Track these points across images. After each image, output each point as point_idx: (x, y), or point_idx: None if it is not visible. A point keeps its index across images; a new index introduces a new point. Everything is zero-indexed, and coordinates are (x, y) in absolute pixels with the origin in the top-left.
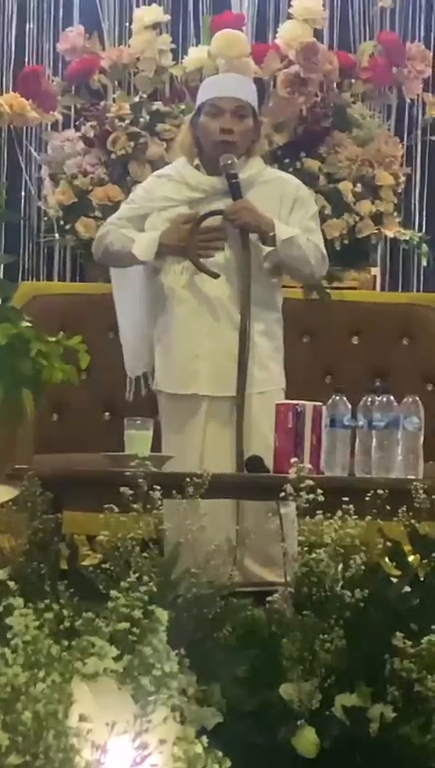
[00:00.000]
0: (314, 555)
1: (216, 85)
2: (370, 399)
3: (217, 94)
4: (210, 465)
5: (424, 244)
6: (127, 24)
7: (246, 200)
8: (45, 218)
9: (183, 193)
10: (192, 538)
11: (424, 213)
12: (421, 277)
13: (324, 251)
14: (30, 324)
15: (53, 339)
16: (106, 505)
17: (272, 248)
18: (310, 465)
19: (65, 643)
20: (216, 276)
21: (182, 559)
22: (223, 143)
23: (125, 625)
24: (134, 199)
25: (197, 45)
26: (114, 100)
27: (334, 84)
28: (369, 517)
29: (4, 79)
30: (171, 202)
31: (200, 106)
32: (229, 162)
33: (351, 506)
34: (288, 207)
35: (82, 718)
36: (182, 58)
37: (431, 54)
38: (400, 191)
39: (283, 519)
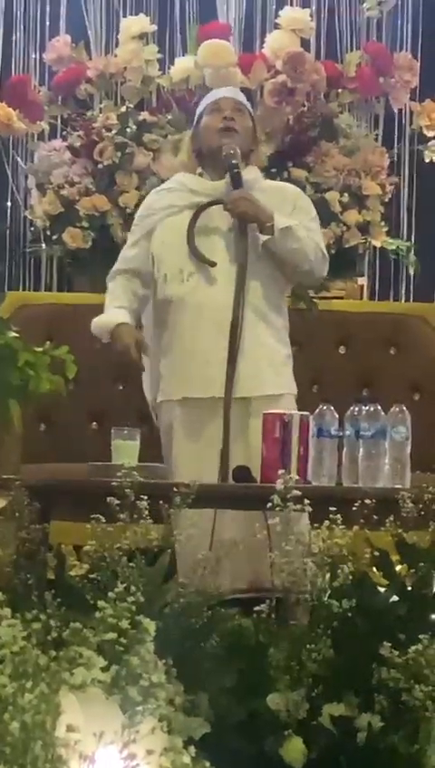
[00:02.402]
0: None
1: (215, 93)
2: (357, 409)
3: (216, 97)
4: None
5: (411, 254)
6: (114, 33)
7: (245, 191)
8: (32, 228)
9: (186, 199)
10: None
11: (411, 222)
12: (408, 287)
13: (325, 251)
14: (17, 334)
15: (40, 349)
16: (93, 515)
17: (269, 237)
18: (297, 476)
19: (53, 653)
20: (212, 264)
21: (187, 567)
22: (225, 130)
23: (113, 635)
24: (136, 222)
25: (183, 55)
26: (101, 109)
27: (321, 94)
28: (356, 527)
29: None
30: (175, 208)
31: (200, 114)
32: (231, 152)
33: (338, 516)
34: (288, 211)
35: (69, 729)
36: (169, 68)
37: (418, 64)
38: (387, 201)
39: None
